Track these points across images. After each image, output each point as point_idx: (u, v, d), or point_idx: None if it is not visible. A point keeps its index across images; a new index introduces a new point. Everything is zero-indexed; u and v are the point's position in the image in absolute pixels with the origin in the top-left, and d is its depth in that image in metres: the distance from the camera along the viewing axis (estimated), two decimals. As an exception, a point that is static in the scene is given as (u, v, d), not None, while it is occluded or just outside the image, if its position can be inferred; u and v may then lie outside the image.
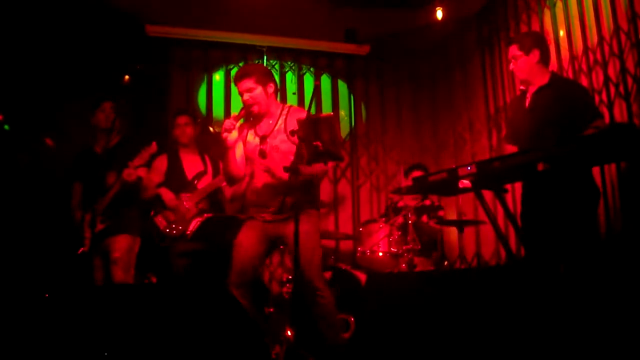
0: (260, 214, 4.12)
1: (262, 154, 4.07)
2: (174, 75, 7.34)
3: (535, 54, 4.23)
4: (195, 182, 5.36)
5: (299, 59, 7.71)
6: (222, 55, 7.54)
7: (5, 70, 6.08)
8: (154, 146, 4.94)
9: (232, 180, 4.28)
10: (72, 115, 6.09)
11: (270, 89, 4.15)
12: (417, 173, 6.19)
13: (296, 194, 3.90)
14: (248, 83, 4.07)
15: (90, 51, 6.55)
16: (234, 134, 4.01)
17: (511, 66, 4.33)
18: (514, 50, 4.27)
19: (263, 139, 4.09)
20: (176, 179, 5.38)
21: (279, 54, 7.57)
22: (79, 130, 5.78)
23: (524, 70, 4.26)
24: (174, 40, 7.27)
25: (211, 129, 7.06)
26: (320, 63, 7.81)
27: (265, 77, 4.14)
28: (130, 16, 6.79)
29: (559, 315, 3.47)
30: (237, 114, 3.99)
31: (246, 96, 4.07)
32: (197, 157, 5.56)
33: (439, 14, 6.59)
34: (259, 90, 4.08)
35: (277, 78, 6.43)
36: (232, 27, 7.16)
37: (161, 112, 6.94)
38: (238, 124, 4.02)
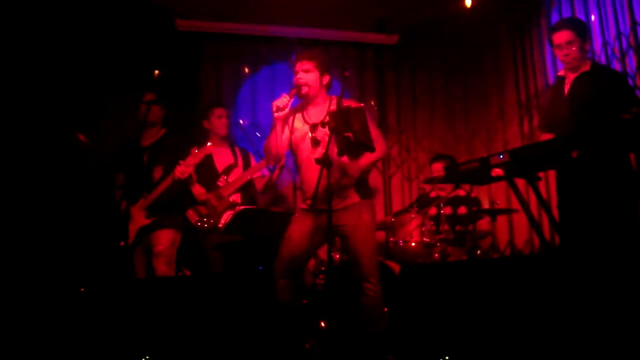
0: (316, 205, 3.97)
1: (315, 142, 4.06)
2: (204, 70, 7.35)
3: (588, 41, 4.17)
4: (225, 175, 5.37)
5: (328, 50, 7.68)
6: (252, 48, 7.53)
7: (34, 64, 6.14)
8: (208, 147, 4.95)
9: (271, 157, 4.26)
10: (108, 109, 6.16)
11: (325, 79, 4.17)
12: (440, 163, 6.14)
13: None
14: (307, 65, 4.09)
15: (122, 46, 6.60)
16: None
17: (565, 51, 4.13)
18: (570, 35, 4.10)
19: (314, 127, 4.08)
20: (207, 172, 5.38)
21: (307, 45, 7.51)
22: (117, 124, 5.85)
23: (579, 57, 4.14)
24: (204, 35, 7.30)
25: (241, 121, 7.08)
26: (349, 53, 7.78)
27: (324, 66, 4.16)
28: (161, 10, 6.85)
29: (596, 304, 3.43)
30: (288, 93, 4.00)
31: (300, 74, 4.08)
32: (228, 150, 5.57)
33: (468, 1, 6.52)
34: (314, 75, 4.09)
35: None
36: (260, 20, 7.17)
37: (192, 106, 6.95)
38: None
